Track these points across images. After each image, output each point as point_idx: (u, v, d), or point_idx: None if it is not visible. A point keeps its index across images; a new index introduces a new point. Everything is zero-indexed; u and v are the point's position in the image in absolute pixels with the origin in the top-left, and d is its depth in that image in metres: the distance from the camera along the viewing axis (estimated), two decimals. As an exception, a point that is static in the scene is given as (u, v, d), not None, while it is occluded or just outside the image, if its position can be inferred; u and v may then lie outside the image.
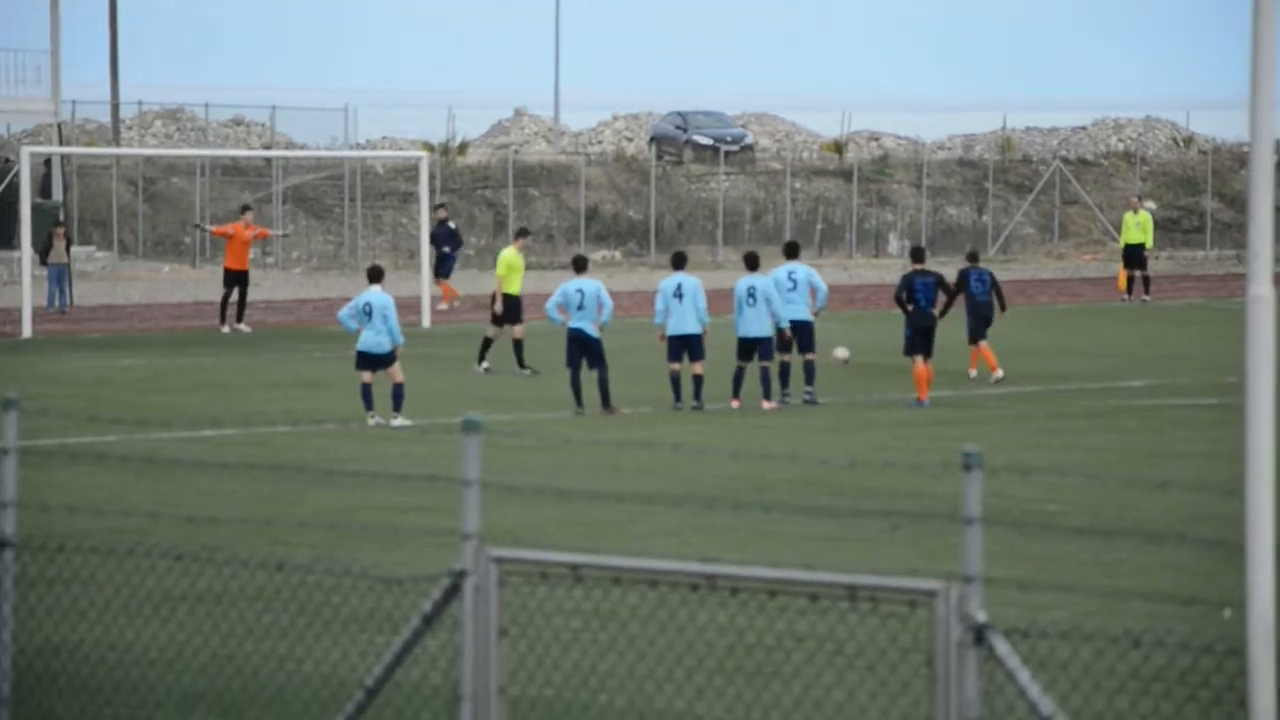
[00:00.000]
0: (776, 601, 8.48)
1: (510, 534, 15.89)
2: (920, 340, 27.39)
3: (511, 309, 31.52)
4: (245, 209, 41.74)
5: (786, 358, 27.67)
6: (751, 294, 27.50)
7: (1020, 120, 74.01)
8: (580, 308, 26.70)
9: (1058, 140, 71.75)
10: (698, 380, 26.92)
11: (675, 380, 27.09)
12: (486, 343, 31.70)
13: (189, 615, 13.08)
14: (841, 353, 28.73)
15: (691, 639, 11.80)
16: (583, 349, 26.64)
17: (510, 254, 32.03)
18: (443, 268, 45.27)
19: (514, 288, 31.61)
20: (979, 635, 7.86)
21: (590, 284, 26.98)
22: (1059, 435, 24.71)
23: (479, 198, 60.07)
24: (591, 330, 26.64)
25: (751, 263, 28.31)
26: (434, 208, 46.00)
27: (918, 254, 28.47)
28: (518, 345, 31.26)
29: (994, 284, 30.51)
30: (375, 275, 26.13)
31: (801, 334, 27.82)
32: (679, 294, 27.16)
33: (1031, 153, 68.95)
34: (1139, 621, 13.17)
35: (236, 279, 39.30)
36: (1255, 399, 8.22)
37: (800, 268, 28.55)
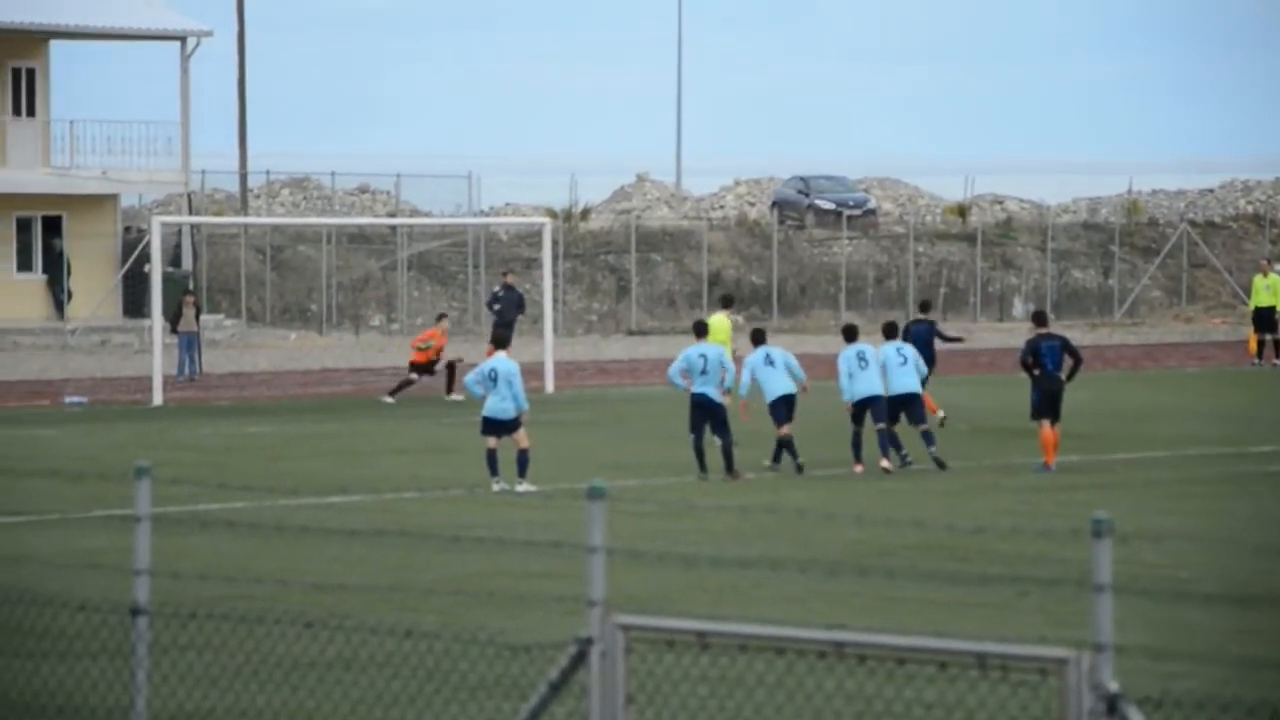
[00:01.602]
0: (905, 669, 8.44)
1: (635, 600, 15.89)
2: (1047, 404, 27.22)
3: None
4: (441, 317, 42.09)
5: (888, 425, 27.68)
6: (863, 357, 27.52)
7: (1146, 183, 73.53)
8: (703, 373, 26.74)
9: (1185, 203, 71.18)
10: (784, 442, 27.20)
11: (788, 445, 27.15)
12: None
13: (319, 682, 13.15)
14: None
15: (819, 707, 11.74)
16: (706, 415, 26.65)
17: (719, 319, 31.89)
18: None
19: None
20: (1112, 705, 7.78)
21: (713, 349, 27.01)
22: (1189, 501, 24.44)
23: (601, 263, 60.29)
24: (715, 396, 26.65)
25: (850, 334, 28.37)
26: (501, 274, 45.96)
27: (1040, 318, 28.31)
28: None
29: (934, 334, 31.87)
30: (500, 341, 26.25)
31: (911, 405, 27.68)
32: (770, 361, 27.39)
33: (1158, 215, 68.44)
34: (1274, 691, 12.98)
35: (423, 369, 39.42)
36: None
37: (906, 347, 28.39)
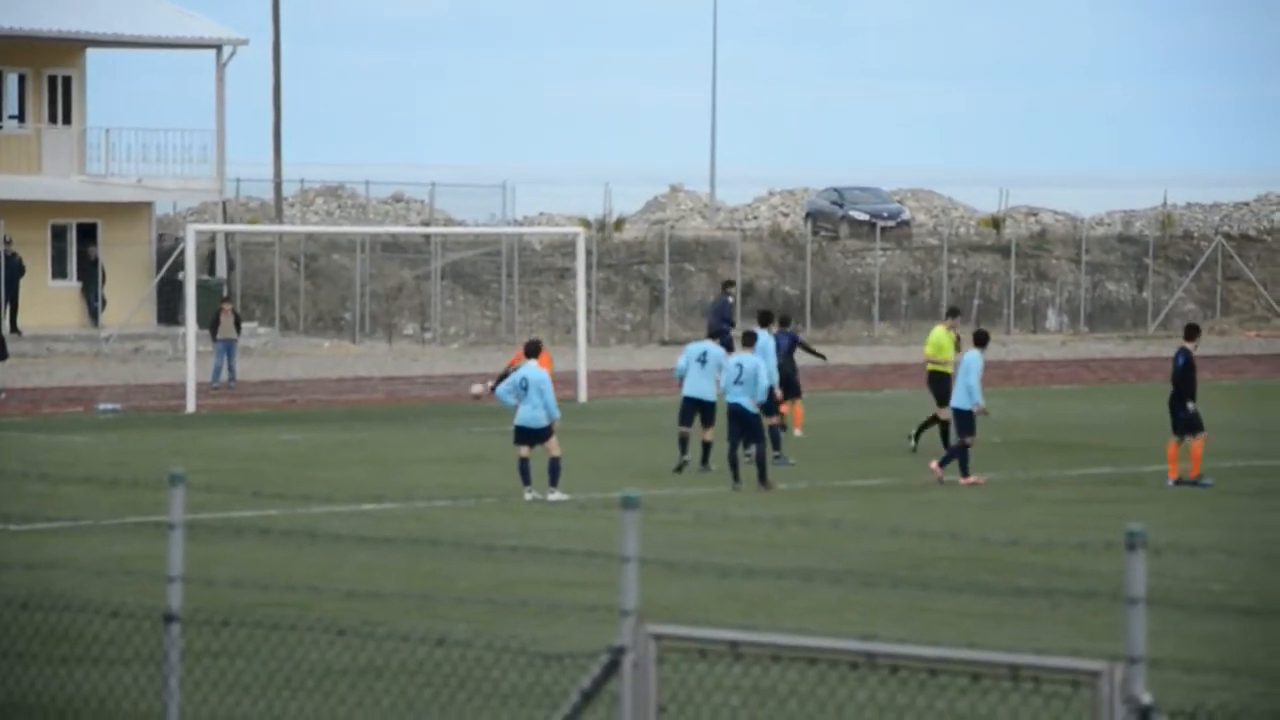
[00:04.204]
0: (937, 680, 8.42)
1: (668, 610, 15.88)
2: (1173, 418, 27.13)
3: (940, 388, 30.39)
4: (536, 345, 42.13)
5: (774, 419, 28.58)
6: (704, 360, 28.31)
7: (1181, 196, 73.34)
8: (738, 382, 26.76)
9: (1220, 216, 70.97)
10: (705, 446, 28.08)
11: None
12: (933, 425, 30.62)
13: (350, 689, 13.16)
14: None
15: (851, 717, 11.72)
16: (741, 425, 26.68)
17: (940, 333, 31.58)
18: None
19: (945, 367, 30.63)
20: (1144, 717, 7.76)
21: (750, 359, 27.02)
22: (1224, 513, 24.36)
23: (635, 273, 60.29)
24: (749, 405, 26.67)
25: (980, 340, 28.39)
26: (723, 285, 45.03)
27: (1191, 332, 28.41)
28: (941, 424, 30.26)
29: (795, 345, 32.22)
30: (533, 350, 26.27)
31: (962, 420, 27.62)
32: (703, 361, 28.31)
33: (1193, 228, 68.23)
34: (1307, 704, 12.91)
35: None
36: None
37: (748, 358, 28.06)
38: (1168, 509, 24.57)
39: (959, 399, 27.56)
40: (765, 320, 31.01)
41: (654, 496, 25.11)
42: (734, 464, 26.67)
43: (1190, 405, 27.00)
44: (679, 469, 28.07)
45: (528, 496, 25.28)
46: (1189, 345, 27.63)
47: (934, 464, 27.40)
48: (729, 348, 28.49)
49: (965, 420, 27.35)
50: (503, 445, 27.84)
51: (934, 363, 31.15)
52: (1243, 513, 24.41)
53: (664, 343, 58.02)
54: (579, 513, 23.83)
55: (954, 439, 28.04)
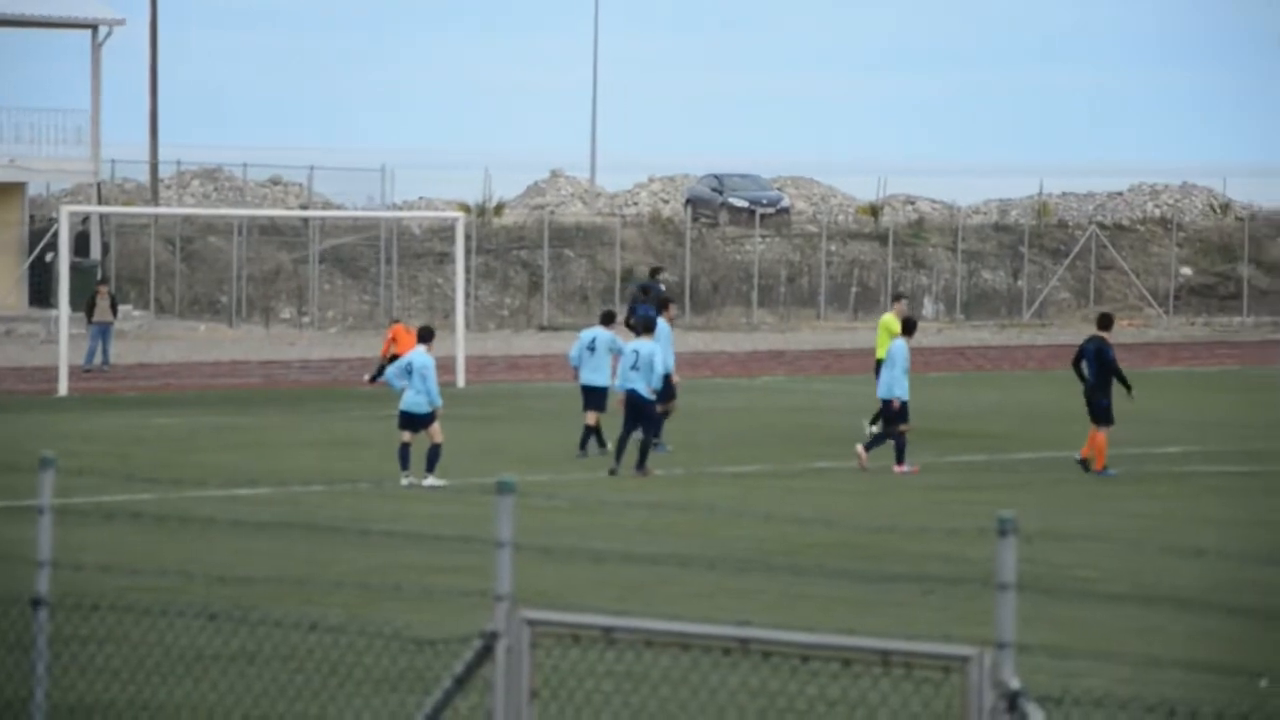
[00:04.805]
0: (809, 666, 8.46)
1: (543, 595, 15.87)
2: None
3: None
4: (395, 320, 42.21)
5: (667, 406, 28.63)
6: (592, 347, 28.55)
7: (1056, 185, 74.03)
8: (634, 368, 26.83)
9: (1094, 205, 71.70)
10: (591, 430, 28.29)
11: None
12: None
13: (221, 675, 13.07)
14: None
15: (723, 703, 11.75)
16: (633, 411, 26.72)
17: (889, 318, 31.30)
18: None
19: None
20: (1012, 702, 7.82)
21: (646, 346, 27.03)
22: (1095, 500, 24.61)
23: (514, 258, 60.20)
24: (644, 392, 26.73)
25: (907, 328, 28.20)
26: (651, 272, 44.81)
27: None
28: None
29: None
30: (424, 336, 26.18)
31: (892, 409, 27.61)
32: (592, 349, 28.58)
33: (1067, 218, 68.91)
34: (1174, 690, 13.08)
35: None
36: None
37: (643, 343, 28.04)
38: (1041, 496, 24.80)
39: (886, 390, 27.49)
40: (662, 308, 30.93)
41: (531, 482, 25.09)
42: (621, 449, 26.68)
43: (1106, 397, 27.11)
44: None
45: (404, 482, 25.20)
46: (1103, 334, 27.77)
47: (860, 448, 27.28)
48: (649, 329, 27.94)
49: (896, 410, 27.39)
50: (379, 430, 27.74)
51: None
52: (1114, 500, 24.68)
53: (543, 328, 57.97)
54: (455, 498, 23.78)
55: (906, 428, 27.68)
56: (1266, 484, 26.51)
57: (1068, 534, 20.39)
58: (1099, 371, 27.30)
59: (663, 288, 42.76)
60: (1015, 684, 7.83)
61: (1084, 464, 27.02)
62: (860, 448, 27.38)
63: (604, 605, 16.01)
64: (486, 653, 8.68)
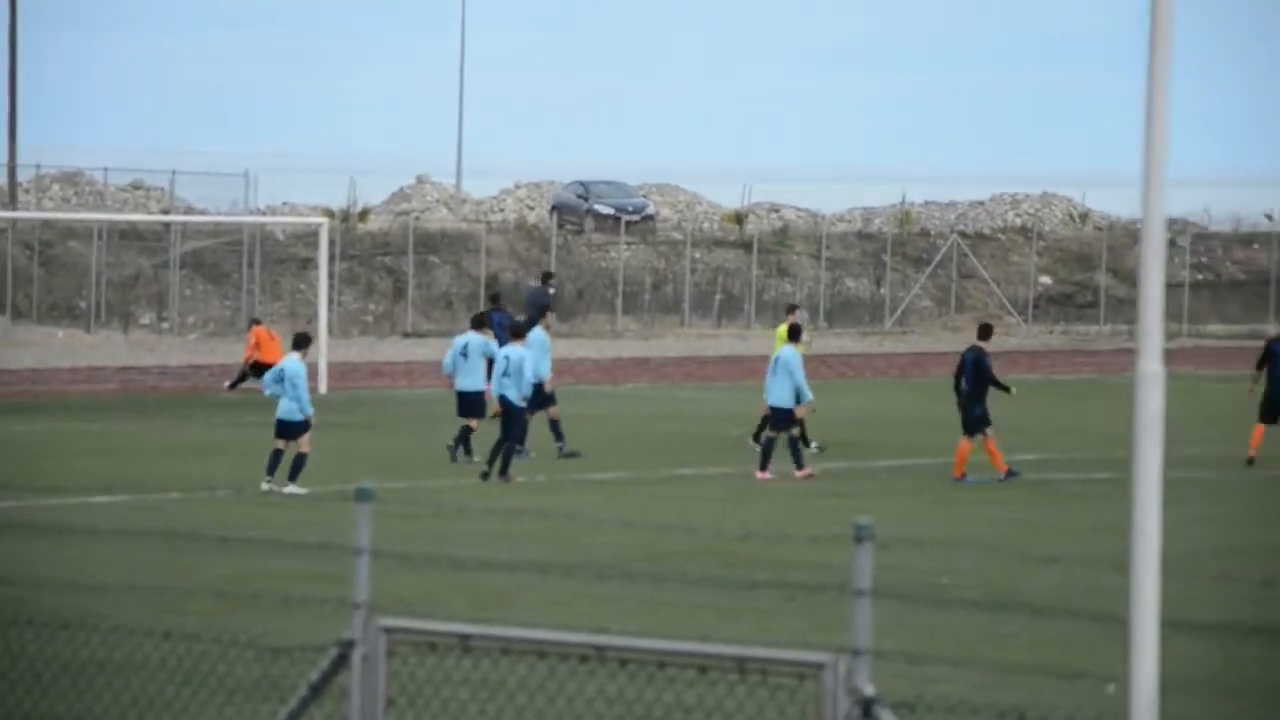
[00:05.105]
0: (666, 673, 8.46)
1: (402, 603, 15.79)
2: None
3: None
4: (255, 321, 41.83)
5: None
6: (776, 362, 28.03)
7: (919, 194, 74.67)
8: (506, 374, 26.84)
9: (955, 214, 72.37)
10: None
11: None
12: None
13: (71, 685, 12.90)
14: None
15: (580, 710, 11.73)
16: (504, 416, 26.81)
17: (783, 329, 31.24)
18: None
19: None
20: (866, 708, 7.85)
21: (517, 352, 27.03)
22: (954, 507, 24.81)
23: (379, 264, 59.93)
24: (515, 398, 26.74)
25: (793, 334, 28.50)
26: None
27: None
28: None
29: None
30: (299, 342, 26.04)
31: (782, 416, 27.67)
32: (465, 353, 28.66)
33: (930, 226, 69.51)
34: (1026, 696, 13.19)
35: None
36: (1142, 474, 8.28)
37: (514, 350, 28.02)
38: (901, 503, 24.97)
39: (779, 398, 27.58)
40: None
41: (392, 489, 24.97)
42: (494, 455, 26.65)
43: (980, 406, 27.39)
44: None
45: (264, 486, 25.02)
46: (982, 344, 28.07)
47: (760, 471, 27.28)
48: (519, 335, 27.92)
49: (786, 417, 27.46)
50: (239, 437, 27.52)
51: None
52: (971, 506, 24.89)
53: (406, 335, 57.74)
54: (315, 505, 23.63)
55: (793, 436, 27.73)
56: (1119, 491, 26.84)
57: (926, 540, 20.53)
58: (975, 381, 27.61)
59: (552, 292, 42.47)
60: (869, 690, 7.86)
61: (965, 479, 27.23)
62: (762, 473, 27.16)
63: (462, 613, 15.95)
64: (343, 661, 8.62)
